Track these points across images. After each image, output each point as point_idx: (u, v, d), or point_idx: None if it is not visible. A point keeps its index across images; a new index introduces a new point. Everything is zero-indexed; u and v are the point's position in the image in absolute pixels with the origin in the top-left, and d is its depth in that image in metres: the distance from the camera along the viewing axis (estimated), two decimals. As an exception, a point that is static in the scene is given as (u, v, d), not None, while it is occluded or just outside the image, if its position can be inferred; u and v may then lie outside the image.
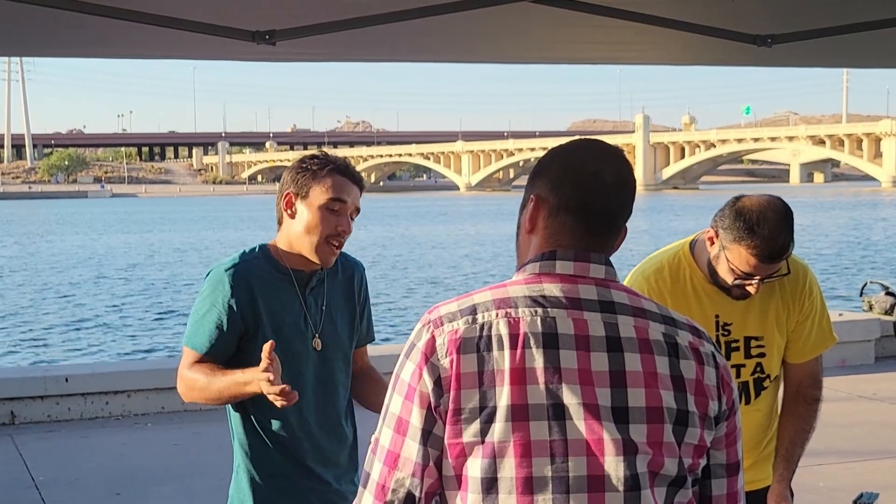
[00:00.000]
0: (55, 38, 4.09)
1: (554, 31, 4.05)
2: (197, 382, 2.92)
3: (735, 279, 2.93)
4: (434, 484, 1.78)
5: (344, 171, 2.96)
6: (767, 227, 2.84)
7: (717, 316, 3.05)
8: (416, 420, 1.76)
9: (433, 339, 1.77)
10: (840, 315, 11.00)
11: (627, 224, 1.93)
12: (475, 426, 1.73)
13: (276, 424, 2.98)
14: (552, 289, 1.80)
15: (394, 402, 1.80)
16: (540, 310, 1.77)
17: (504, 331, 1.75)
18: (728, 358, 3.03)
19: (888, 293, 11.55)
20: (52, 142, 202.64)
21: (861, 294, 12.29)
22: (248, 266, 2.96)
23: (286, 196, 2.96)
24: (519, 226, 1.93)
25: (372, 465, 1.82)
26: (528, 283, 1.82)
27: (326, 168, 2.94)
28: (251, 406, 2.98)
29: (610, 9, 3.55)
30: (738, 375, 3.06)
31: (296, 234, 2.96)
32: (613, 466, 1.73)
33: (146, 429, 7.90)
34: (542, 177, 1.90)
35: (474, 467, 1.73)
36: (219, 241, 49.01)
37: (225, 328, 2.92)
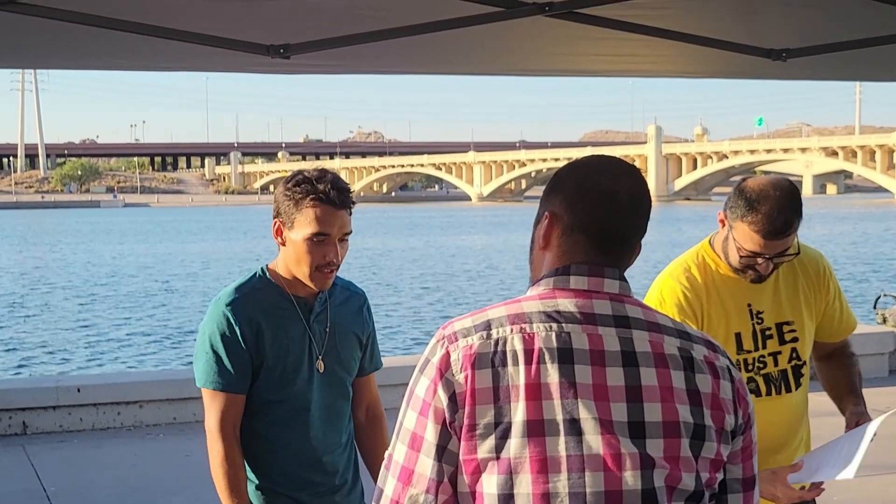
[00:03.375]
0: (70, 50, 4.10)
1: (566, 43, 4.05)
2: (221, 467, 2.93)
3: (742, 258, 2.95)
4: (448, 501, 1.77)
5: (326, 199, 2.85)
6: (768, 204, 2.87)
7: (749, 305, 3.06)
8: (430, 436, 1.75)
9: (448, 354, 1.77)
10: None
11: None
12: (490, 442, 1.72)
13: (282, 448, 2.98)
14: (567, 304, 1.80)
15: (408, 418, 1.80)
16: (555, 325, 1.77)
17: (519, 346, 1.75)
18: (764, 346, 3.05)
19: (902, 306, 11.50)
20: (66, 151, 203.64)
21: (874, 307, 12.23)
22: (247, 297, 2.94)
23: (276, 225, 2.94)
24: (533, 240, 1.93)
25: (385, 481, 1.81)
26: (542, 299, 1.82)
27: (308, 198, 2.85)
28: (257, 429, 2.98)
29: (622, 22, 3.55)
30: (776, 364, 3.06)
31: (290, 261, 2.94)
32: (630, 481, 1.72)
33: (158, 439, 7.91)
34: (558, 193, 1.90)
35: (490, 484, 1.73)
36: (233, 251, 49.08)
37: (235, 362, 2.91)
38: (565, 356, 1.75)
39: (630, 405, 1.75)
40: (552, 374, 1.73)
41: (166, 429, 8.10)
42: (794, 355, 3.10)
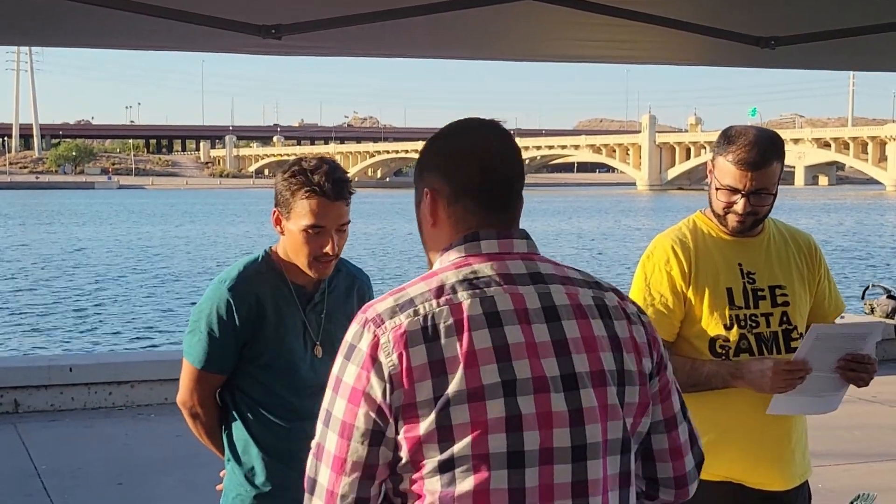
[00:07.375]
0: (64, 28, 4.11)
1: (555, 28, 4.07)
2: (197, 427, 3.13)
3: (722, 199, 3.03)
4: (382, 485, 1.79)
5: (320, 191, 2.86)
6: (745, 138, 2.98)
7: (739, 264, 3.11)
8: (361, 423, 1.76)
9: (377, 338, 1.77)
10: (842, 318, 10.96)
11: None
12: (431, 415, 1.73)
13: (274, 424, 3.02)
14: (483, 268, 1.83)
15: (337, 406, 1.79)
16: (478, 291, 1.80)
17: (448, 318, 1.77)
18: (756, 306, 3.09)
19: (890, 296, 11.56)
20: (60, 132, 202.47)
21: (863, 297, 12.29)
22: (249, 280, 2.97)
23: (274, 215, 2.96)
24: (420, 221, 1.96)
25: (318, 470, 1.81)
26: (458, 267, 1.84)
27: (303, 189, 2.86)
28: (252, 406, 3.03)
29: (611, 7, 3.57)
30: (767, 325, 3.09)
31: (289, 250, 2.98)
32: (562, 438, 1.76)
33: (149, 419, 7.95)
34: (432, 169, 1.93)
35: (431, 454, 1.74)
36: (228, 234, 49.00)
37: (225, 345, 2.95)
38: (494, 320, 1.78)
39: (560, 359, 1.79)
40: (485, 340, 1.76)
41: (157, 409, 8.13)
42: (784, 319, 3.13)
